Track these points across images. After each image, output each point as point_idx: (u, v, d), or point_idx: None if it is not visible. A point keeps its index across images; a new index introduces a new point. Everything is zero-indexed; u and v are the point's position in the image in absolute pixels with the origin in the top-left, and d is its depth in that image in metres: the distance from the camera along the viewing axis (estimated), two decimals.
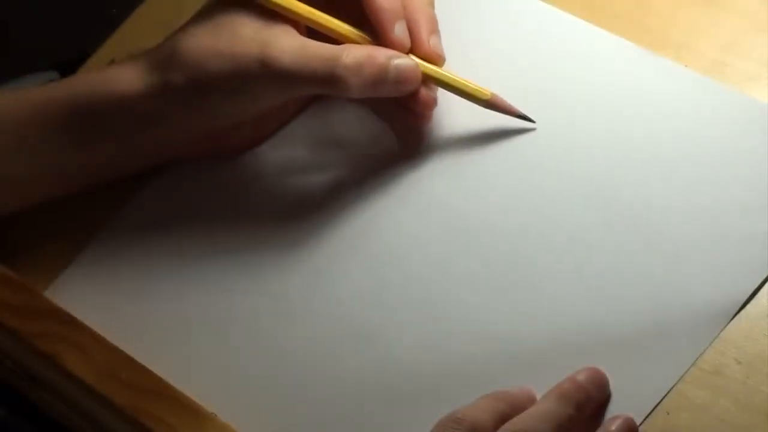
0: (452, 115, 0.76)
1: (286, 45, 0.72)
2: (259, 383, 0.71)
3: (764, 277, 0.67)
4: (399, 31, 0.73)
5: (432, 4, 0.76)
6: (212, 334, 0.73)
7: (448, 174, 0.75)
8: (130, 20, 0.87)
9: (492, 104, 0.74)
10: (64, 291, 0.76)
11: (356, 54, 0.72)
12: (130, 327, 0.74)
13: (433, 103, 0.75)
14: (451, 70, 0.75)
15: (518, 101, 0.75)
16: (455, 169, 0.75)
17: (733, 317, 0.66)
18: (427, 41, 0.74)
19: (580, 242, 0.71)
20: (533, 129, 0.75)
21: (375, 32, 0.74)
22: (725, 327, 0.66)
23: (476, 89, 0.74)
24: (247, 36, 0.72)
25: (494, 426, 0.63)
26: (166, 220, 0.78)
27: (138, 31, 0.85)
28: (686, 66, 0.75)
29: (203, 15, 0.75)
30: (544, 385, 0.66)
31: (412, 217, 0.74)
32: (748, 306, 0.67)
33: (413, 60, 0.73)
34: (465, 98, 0.74)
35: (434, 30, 0.75)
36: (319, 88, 0.73)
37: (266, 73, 0.72)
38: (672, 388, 0.65)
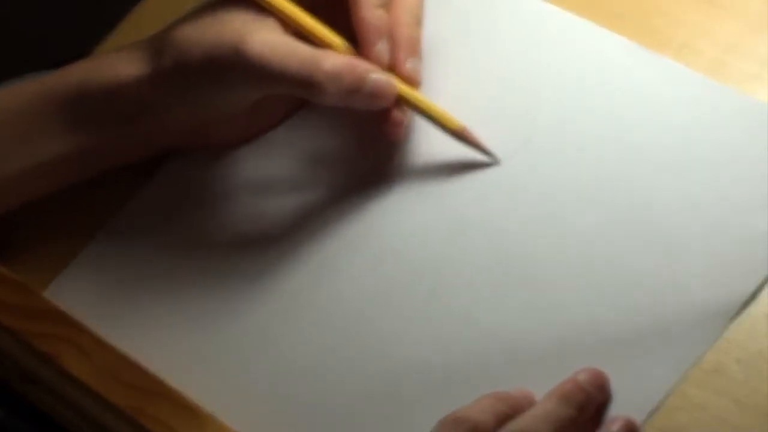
0: None
1: (267, 39, 0.72)
2: (259, 383, 0.71)
3: (764, 277, 0.67)
4: (381, 48, 0.73)
5: (419, 25, 0.75)
6: (212, 334, 0.73)
7: (448, 173, 0.75)
8: (130, 20, 0.87)
9: (460, 135, 0.74)
10: (64, 291, 0.76)
11: (336, 61, 0.72)
12: (130, 327, 0.74)
13: (402, 124, 0.74)
14: (450, 71, 0.75)
15: (518, 101, 0.75)
16: (456, 169, 0.75)
17: (734, 317, 0.66)
18: (405, 63, 0.74)
19: (581, 242, 0.71)
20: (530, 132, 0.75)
21: (358, 45, 0.74)
22: (725, 327, 0.66)
23: (447, 118, 0.74)
24: (233, 26, 0.73)
25: (495, 426, 0.63)
26: (166, 220, 0.78)
27: (138, 31, 0.85)
28: (687, 66, 0.75)
29: (202, 7, 0.75)
30: (544, 385, 0.66)
31: (416, 217, 0.74)
32: (749, 306, 0.67)
33: (391, 78, 0.73)
34: (435, 125, 0.74)
35: (415, 53, 0.74)
36: (294, 89, 0.73)
37: (241, 63, 0.72)
38: (672, 388, 0.65)
